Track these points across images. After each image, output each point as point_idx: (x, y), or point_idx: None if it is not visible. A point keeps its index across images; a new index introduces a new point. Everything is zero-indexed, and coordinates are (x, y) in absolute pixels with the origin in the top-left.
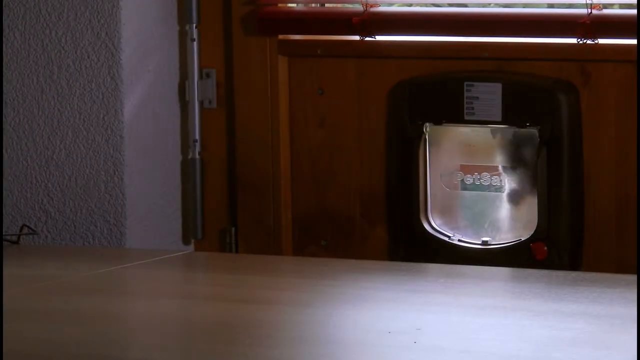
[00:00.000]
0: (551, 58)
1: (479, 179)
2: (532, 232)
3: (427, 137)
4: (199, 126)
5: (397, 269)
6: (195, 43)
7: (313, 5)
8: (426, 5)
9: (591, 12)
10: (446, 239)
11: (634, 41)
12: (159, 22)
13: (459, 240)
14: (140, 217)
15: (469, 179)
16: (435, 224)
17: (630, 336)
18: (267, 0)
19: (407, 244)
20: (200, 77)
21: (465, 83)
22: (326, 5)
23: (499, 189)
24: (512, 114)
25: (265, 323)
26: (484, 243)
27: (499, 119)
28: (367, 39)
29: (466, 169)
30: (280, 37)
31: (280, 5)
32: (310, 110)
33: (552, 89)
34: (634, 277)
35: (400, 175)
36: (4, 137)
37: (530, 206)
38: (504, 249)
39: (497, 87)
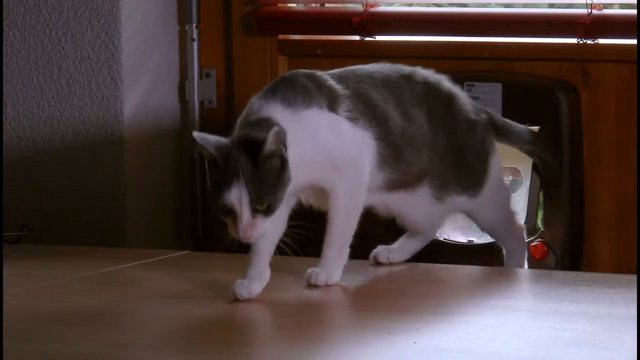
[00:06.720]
0: (551, 58)
1: None
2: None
3: None
4: (199, 126)
5: (398, 269)
6: (195, 43)
7: (313, 5)
8: (426, 5)
9: (591, 12)
10: (442, 239)
11: (634, 41)
12: (159, 22)
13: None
14: (140, 217)
15: None
16: None
17: (630, 336)
18: (267, 0)
19: None
20: (200, 77)
21: (465, 83)
22: (326, 5)
23: None
24: (512, 114)
25: (265, 323)
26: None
27: None
28: (367, 39)
29: None
30: (280, 37)
31: (280, 5)
32: None
33: (552, 89)
34: (634, 277)
35: None
36: (4, 137)
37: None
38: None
39: (497, 87)
